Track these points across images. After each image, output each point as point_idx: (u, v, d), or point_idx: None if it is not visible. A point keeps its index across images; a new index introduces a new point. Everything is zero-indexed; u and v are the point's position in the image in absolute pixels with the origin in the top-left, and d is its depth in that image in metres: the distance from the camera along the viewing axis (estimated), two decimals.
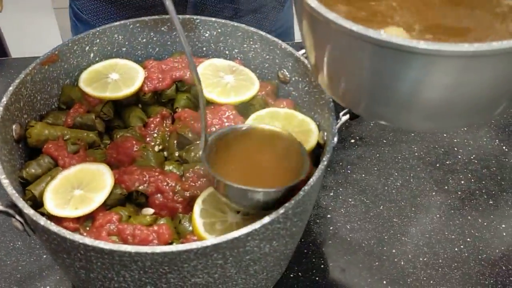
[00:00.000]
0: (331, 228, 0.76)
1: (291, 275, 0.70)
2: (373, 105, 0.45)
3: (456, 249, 0.73)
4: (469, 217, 0.77)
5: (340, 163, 0.85)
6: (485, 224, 0.76)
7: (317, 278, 0.70)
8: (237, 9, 0.95)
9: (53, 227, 0.49)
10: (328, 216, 0.77)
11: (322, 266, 0.71)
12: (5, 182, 0.53)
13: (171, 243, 0.57)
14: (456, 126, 0.56)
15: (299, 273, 0.70)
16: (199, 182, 0.62)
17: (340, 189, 0.81)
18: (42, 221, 0.49)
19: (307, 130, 0.64)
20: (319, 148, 0.65)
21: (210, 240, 0.48)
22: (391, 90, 0.41)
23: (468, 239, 0.75)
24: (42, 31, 2.06)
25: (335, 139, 0.59)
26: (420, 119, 0.44)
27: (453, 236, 0.75)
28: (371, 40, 0.37)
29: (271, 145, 0.59)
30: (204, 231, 0.55)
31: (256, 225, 0.49)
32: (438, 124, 0.46)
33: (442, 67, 0.37)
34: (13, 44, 1.62)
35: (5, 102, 0.60)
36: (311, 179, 0.54)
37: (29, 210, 0.50)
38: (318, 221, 0.77)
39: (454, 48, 0.35)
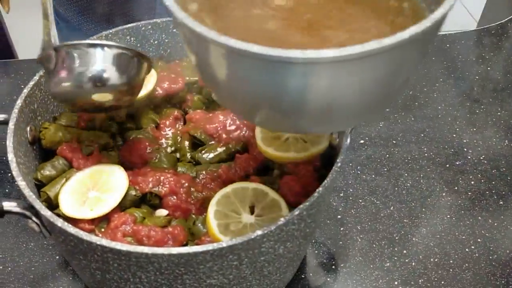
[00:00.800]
0: (341, 229, 0.76)
1: (302, 276, 0.70)
2: (262, 116, 0.45)
3: (467, 250, 0.73)
4: (479, 218, 0.78)
5: (350, 164, 0.85)
6: (495, 224, 0.76)
7: (328, 279, 0.70)
8: None
9: (71, 228, 0.49)
10: (339, 216, 0.78)
11: (333, 267, 0.71)
12: (22, 184, 0.53)
13: (185, 244, 0.58)
14: (351, 125, 0.60)
15: (311, 274, 0.71)
16: (212, 184, 0.62)
17: (350, 190, 0.81)
18: (60, 222, 0.50)
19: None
20: (330, 149, 0.65)
21: (226, 241, 0.48)
22: (274, 100, 0.41)
23: (479, 240, 0.75)
24: None
25: (348, 140, 0.59)
26: (312, 123, 0.44)
27: (463, 237, 0.75)
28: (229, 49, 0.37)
29: None
30: (219, 232, 0.55)
31: (272, 226, 0.49)
32: (332, 126, 0.48)
33: (312, 72, 0.37)
34: (19, 44, 1.62)
35: (19, 105, 0.61)
36: (325, 181, 0.54)
37: (46, 212, 0.51)
38: (328, 221, 0.77)
39: (316, 55, 0.35)
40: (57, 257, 0.72)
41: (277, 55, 0.36)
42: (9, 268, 0.71)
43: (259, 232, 0.49)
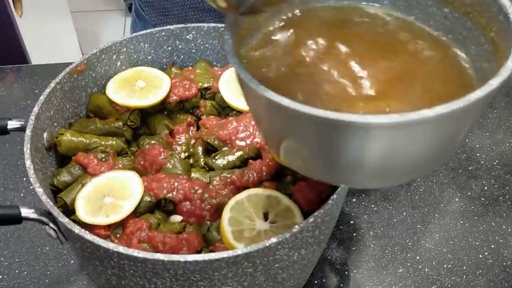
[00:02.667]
0: (354, 234, 0.76)
1: (315, 282, 0.70)
2: (321, 174, 0.47)
3: (480, 256, 0.73)
4: (492, 223, 0.77)
5: None
6: (509, 230, 0.76)
7: (341, 285, 0.70)
8: None
9: (88, 235, 0.50)
10: (351, 222, 0.78)
11: (346, 273, 0.72)
12: (39, 191, 0.54)
13: (200, 251, 0.58)
14: (404, 181, 0.64)
15: (323, 280, 0.71)
16: (226, 190, 0.62)
17: (363, 195, 0.81)
18: (77, 229, 0.51)
19: None
20: None
21: (241, 249, 0.48)
22: (332, 160, 0.42)
23: (492, 246, 0.74)
24: (60, 35, 2.08)
25: None
26: (367, 180, 0.46)
27: (477, 243, 0.75)
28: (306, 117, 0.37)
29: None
30: (233, 239, 0.55)
31: (286, 234, 0.50)
32: (385, 182, 0.49)
33: (376, 136, 0.38)
34: (32, 48, 1.64)
35: (36, 112, 0.61)
36: (340, 188, 0.54)
37: (63, 218, 0.52)
38: (341, 227, 0.77)
39: (383, 119, 0.36)
40: (72, 261, 0.73)
41: (346, 120, 0.36)
42: (25, 272, 0.72)
43: (274, 240, 0.49)
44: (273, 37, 0.50)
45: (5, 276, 0.71)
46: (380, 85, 0.45)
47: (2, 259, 0.73)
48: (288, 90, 0.43)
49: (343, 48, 0.48)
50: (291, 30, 0.50)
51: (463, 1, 0.49)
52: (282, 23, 0.51)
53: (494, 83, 0.38)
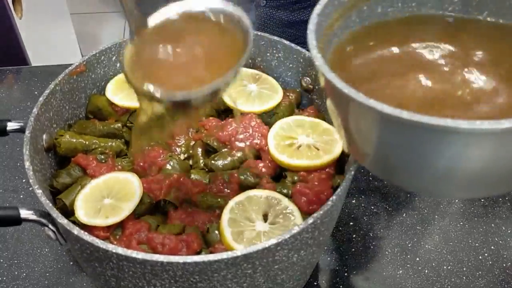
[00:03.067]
0: (354, 236, 0.76)
1: (315, 283, 0.70)
2: (410, 180, 0.46)
3: (480, 257, 0.73)
4: (492, 225, 0.77)
5: (362, 170, 0.85)
6: (509, 231, 0.76)
7: (341, 287, 0.70)
8: None
9: (87, 236, 0.50)
10: (351, 223, 0.77)
11: (345, 274, 0.71)
12: (39, 192, 0.54)
13: (199, 252, 0.58)
14: (494, 193, 0.63)
15: (323, 281, 0.71)
16: (225, 191, 0.62)
17: (362, 196, 0.81)
18: (76, 230, 0.50)
19: (332, 139, 0.65)
20: (344, 157, 0.65)
21: (241, 250, 0.48)
22: (427, 167, 0.42)
23: (492, 247, 0.74)
24: (59, 37, 2.08)
25: None
26: (457, 190, 0.45)
27: (477, 244, 0.75)
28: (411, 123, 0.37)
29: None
30: (232, 240, 0.55)
31: (286, 235, 0.50)
32: (475, 193, 0.48)
33: (481, 143, 0.38)
34: (31, 50, 1.64)
35: (36, 113, 0.61)
36: (339, 189, 0.54)
37: (62, 220, 0.51)
38: (340, 228, 0.77)
39: (491, 125, 0.35)
40: (71, 262, 0.73)
41: (448, 125, 0.36)
42: (24, 274, 0.71)
43: (273, 241, 0.49)
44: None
45: (4, 278, 0.71)
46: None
47: (1, 260, 0.73)
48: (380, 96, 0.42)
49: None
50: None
51: None
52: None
53: None
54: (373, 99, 0.38)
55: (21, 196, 0.81)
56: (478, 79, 0.46)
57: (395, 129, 0.40)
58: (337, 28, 0.50)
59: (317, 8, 0.47)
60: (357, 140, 0.46)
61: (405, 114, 0.37)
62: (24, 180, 0.83)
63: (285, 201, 0.59)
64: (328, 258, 0.73)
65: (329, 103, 0.47)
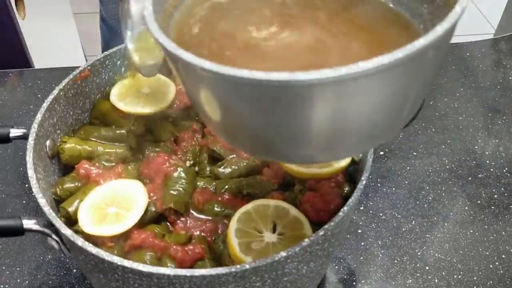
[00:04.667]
0: (362, 243, 0.75)
1: None
2: (266, 146, 0.42)
3: (491, 266, 0.72)
4: (503, 233, 0.76)
5: (370, 176, 0.84)
6: None
7: None
8: None
9: (91, 248, 0.49)
10: (359, 231, 0.76)
11: (354, 283, 0.70)
12: (42, 201, 0.53)
13: (203, 261, 0.57)
14: (360, 151, 0.57)
15: None
16: (233, 200, 0.61)
17: (370, 203, 0.80)
18: (80, 242, 0.49)
19: None
20: (353, 165, 0.64)
21: (249, 263, 0.47)
22: (274, 131, 0.39)
23: (503, 256, 0.73)
24: (62, 37, 2.08)
25: (371, 157, 0.58)
26: (319, 151, 0.42)
27: (487, 253, 0.73)
28: (232, 79, 0.34)
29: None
30: (240, 252, 0.54)
31: (296, 247, 0.48)
32: (339, 151, 0.44)
33: (320, 95, 0.35)
34: (34, 51, 1.63)
35: (39, 119, 0.60)
36: (350, 200, 0.53)
37: (66, 230, 0.50)
38: (348, 236, 0.75)
39: (321, 75, 0.33)
40: (74, 270, 0.72)
41: (281, 79, 0.33)
42: (27, 282, 0.70)
43: (283, 254, 0.48)
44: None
45: (7, 286, 0.70)
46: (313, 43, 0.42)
47: (4, 268, 0.72)
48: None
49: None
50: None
51: None
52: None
53: (439, 28, 0.34)
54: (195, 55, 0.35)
55: (24, 202, 0.80)
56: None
57: (212, 84, 0.37)
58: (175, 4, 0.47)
59: None
60: (201, 110, 0.43)
61: (206, 64, 0.34)
62: (27, 186, 0.82)
63: (294, 211, 0.58)
64: (336, 267, 0.72)
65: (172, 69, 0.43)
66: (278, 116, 0.37)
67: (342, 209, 0.51)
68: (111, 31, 1.04)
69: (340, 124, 0.38)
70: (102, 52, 1.07)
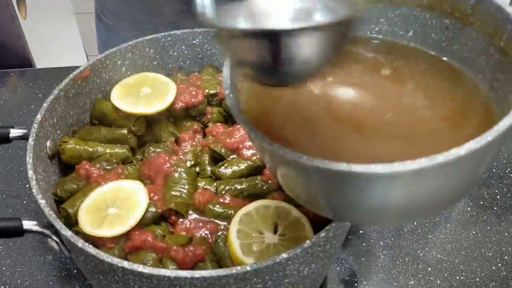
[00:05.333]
0: (363, 244, 0.74)
1: None
2: (345, 216, 0.46)
3: (493, 268, 0.71)
4: (506, 234, 0.75)
5: None
6: None
7: None
8: None
9: (91, 249, 0.48)
10: (361, 232, 0.76)
11: (355, 284, 0.70)
12: (42, 202, 0.52)
13: (204, 262, 0.57)
14: (426, 217, 0.69)
15: None
16: (234, 201, 0.61)
17: None
18: (80, 243, 0.49)
19: None
20: None
21: (251, 265, 0.47)
22: (357, 209, 0.42)
23: (506, 257, 0.72)
24: (64, 37, 2.07)
25: None
26: (393, 221, 0.48)
27: (490, 254, 0.73)
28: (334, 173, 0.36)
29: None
30: (241, 253, 0.54)
31: (297, 249, 0.48)
32: (411, 219, 0.53)
33: (399, 182, 0.37)
34: (36, 50, 1.63)
35: (39, 119, 0.60)
36: None
37: (66, 232, 0.50)
38: (350, 237, 0.75)
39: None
40: (75, 271, 0.71)
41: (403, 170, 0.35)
42: (27, 282, 0.70)
43: (284, 255, 0.47)
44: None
45: (7, 286, 0.69)
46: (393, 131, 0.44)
47: (4, 268, 0.71)
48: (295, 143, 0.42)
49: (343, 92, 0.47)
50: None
51: (464, 11, 0.46)
52: None
53: (489, 134, 0.34)
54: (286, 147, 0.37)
55: (24, 202, 0.79)
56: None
57: (305, 174, 0.40)
58: None
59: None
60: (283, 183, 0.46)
61: (304, 159, 0.36)
62: (27, 186, 0.81)
63: (295, 212, 0.58)
64: (338, 268, 0.71)
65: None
66: (360, 199, 0.40)
67: None
68: (108, 29, 1.03)
69: (411, 203, 0.41)
70: (100, 52, 1.07)
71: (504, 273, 0.71)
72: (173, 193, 0.61)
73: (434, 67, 0.49)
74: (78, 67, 0.68)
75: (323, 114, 0.46)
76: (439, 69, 0.49)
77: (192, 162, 0.68)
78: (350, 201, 0.40)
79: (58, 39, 2.04)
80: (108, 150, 0.66)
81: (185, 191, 0.62)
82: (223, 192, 0.62)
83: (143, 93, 0.70)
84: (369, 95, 0.47)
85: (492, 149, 0.37)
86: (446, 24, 0.48)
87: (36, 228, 0.53)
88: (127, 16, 0.98)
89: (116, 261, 0.47)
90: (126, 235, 0.57)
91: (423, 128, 0.44)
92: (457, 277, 0.70)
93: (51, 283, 0.70)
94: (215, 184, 0.64)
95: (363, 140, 0.44)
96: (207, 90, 0.72)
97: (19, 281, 0.70)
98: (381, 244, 0.74)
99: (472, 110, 0.45)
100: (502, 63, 0.44)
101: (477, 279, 0.70)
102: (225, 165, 0.65)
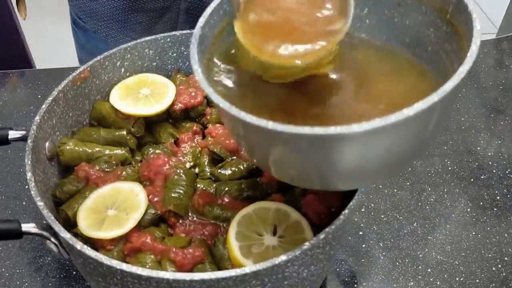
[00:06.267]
0: (363, 245, 0.74)
1: None
2: (298, 182, 0.52)
3: (493, 269, 0.71)
4: (506, 235, 0.75)
5: None
6: None
7: None
8: None
9: (90, 251, 0.48)
10: (360, 233, 0.76)
11: (355, 286, 0.70)
12: (41, 204, 0.52)
13: (203, 264, 0.56)
14: (376, 182, 0.74)
15: None
16: (233, 202, 0.61)
17: (372, 205, 0.79)
18: (79, 245, 0.49)
19: None
20: None
21: (249, 267, 0.47)
22: (307, 171, 0.46)
23: (506, 258, 0.72)
24: (64, 37, 2.07)
25: None
26: (343, 183, 0.49)
27: (490, 255, 0.73)
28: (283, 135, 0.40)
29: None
30: (240, 255, 0.53)
31: (296, 251, 0.48)
32: (361, 183, 0.52)
33: (349, 144, 0.42)
34: (36, 51, 1.63)
35: (38, 121, 0.60)
36: (351, 203, 0.52)
37: (65, 234, 0.50)
38: (350, 238, 0.75)
39: (356, 129, 0.39)
40: (74, 272, 0.71)
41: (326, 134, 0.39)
42: (26, 284, 0.70)
43: (283, 258, 0.47)
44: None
45: None
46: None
47: (3, 270, 0.71)
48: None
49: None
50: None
51: None
52: None
53: (462, 70, 0.40)
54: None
55: (24, 203, 0.79)
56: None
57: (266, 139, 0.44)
58: (225, 36, 0.53)
59: (200, 21, 0.50)
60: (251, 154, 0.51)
61: (270, 125, 0.40)
62: (26, 187, 0.81)
63: (294, 214, 0.58)
64: (337, 269, 0.71)
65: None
66: (321, 158, 0.44)
67: (343, 212, 0.51)
68: (85, 33, 1.02)
69: (362, 165, 0.45)
70: (80, 61, 1.07)
71: (504, 274, 0.70)
72: (173, 194, 0.61)
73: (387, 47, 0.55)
74: (77, 68, 0.68)
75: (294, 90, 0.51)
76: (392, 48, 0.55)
77: (192, 164, 0.68)
78: (322, 165, 0.45)
79: (58, 39, 2.04)
80: (107, 152, 0.65)
81: (184, 192, 0.62)
82: (222, 194, 0.62)
83: (142, 94, 0.69)
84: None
85: (437, 110, 0.41)
86: (398, 0, 0.53)
87: (35, 230, 0.53)
88: (103, 16, 0.97)
89: (114, 263, 0.47)
90: (125, 237, 0.57)
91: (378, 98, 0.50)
92: (457, 278, 0.70)
93: (50, 284, 0.70)
94: (214, 185, 0.64)
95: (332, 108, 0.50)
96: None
97: (18, 282, 0.70)
98: (381, 245, 0.74)
99: (418, 80, 0.51)
100: (449, 34, 0.49)
101: (477, 280, 0.70)
102: (225, 166, 0.65)
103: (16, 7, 1.20)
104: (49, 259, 0.73)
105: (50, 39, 1.94)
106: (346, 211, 0.51)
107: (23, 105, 0.96)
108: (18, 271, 0.71)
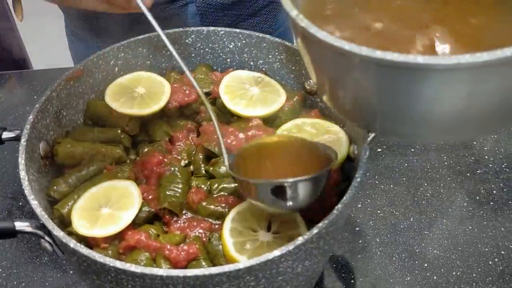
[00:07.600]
0: (360, 241, 0.74)
1: None
2: (387, 124, 0.43)
3: (490, 263, 0.71)
4: (502, 229, 0.75)
5: (368, 173, 0.83)
6: None
7: None
8: (236, 15, 0.93)
9: (84, 249, 0.48)
10: (357, 229, 0.76)
11: (352, 281, 0.70)
12: (34, 203, 0.52)
13: (198, 260, 0.56)
14: (476, 135, 0.62)
15: None
16: (227, 199, 0.60)
17: (368, 201, 0.79)
18: (72, 243, 0.49)
19: (336, 139, 0.63)
20: (349, 162, 0.63)
21: (243, 262, 0.47)
22: (404, 109, 0.39)
23: (503, 252, 0.72)
24: (61, 38, 2.07)
25: (367, 153, 0.58)
26: (437, 133, 0.42)
27: (486, 249, 0.73)
28: (376, 61, 0.35)
29: (297, 152, 0.58)
30: (235, 251, 0.53)
31: (290, 246, 0.48)
32: (457, 135, 0.45)
33: (456, 80, 0.35)
34: (33, 52, 1.63)
35: (31, 120, 0.60)
36: (344, 197, 0.52)
37: (59, 232, 0.50)
38: (346, 234, 0.75)
39: (469, 59, 0.32)
40: (71, 271, 0.71)
41: (419, 62, 0.33)
42: (23, 284, 0.70)
43: (277, 253, 0.47)
44: None
45: None
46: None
47: (0, 270, 0.71)
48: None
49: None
50: None
51: None
52: None
53: None
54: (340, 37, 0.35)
55: (20, 203, 0.79)
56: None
57: (366, 70, 0.37)
58: None
59: None
60: (331, 85, 0.44)
61: (378, 54, 0.34)
62: (22, 187, 0.81)
63: None
64: (334, 265, 0.71)
65: (300, 47, 0.43)
66: (409, 98, 0.37)
67: (336, 207, 0.51)
68: (84, 42, 1.01)
69: (468, 109, 0.37)
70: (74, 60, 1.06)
71: (500, 268, 0.70)
72: (167, 192, 0.61)
73: None
74: (72, 67, 0.68)
75: None
76: None
77: (186, 161, 0.68)
78: (402, 101, 0.38)
79: (55, 41, 2.04)
80: (101, 150, 0.65)
81: (179, 190, 0.62)
82: (217, 191, 0.62)
83: (138, 93, 0.69)
84: None
85: None
86: None
87: (29, 229, 0.53)
88: (105, 31, 0.96)
89: (108, 261, 0.47)
90: (120, 235, 0.57)
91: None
92: (454, 273, 0.70)
93: (47, 284, 0.70)
94: (209, 182, 0.64)
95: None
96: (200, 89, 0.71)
97: (15, 282, 0.70)
98: (377, 240, 0.74)
99: None
100: None
101: (474, 275, 0.70)
102: (219, 163, 0.65)
103: (13, 8, 1.20)
104: (46, 259, 0.73)
105: (46, 39, 1.93)
106: (339, 206, 0.51)
107: (19, 106, 0.96)
108: (15, 271, 0.71)
